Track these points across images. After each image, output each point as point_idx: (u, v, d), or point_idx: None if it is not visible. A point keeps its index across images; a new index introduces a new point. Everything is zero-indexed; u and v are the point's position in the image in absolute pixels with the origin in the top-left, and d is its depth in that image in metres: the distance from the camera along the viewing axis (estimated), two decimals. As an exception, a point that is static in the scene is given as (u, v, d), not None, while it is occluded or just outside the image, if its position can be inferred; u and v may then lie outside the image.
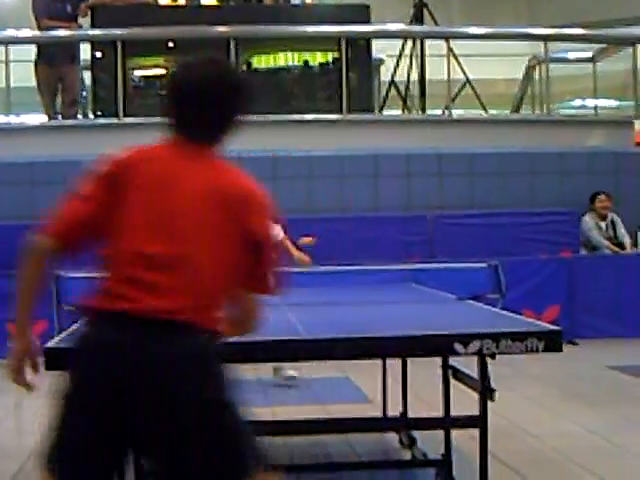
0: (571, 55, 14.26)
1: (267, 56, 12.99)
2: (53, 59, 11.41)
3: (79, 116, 11.96)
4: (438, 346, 3.70)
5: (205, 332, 2.73)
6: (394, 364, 5.87)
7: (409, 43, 12.79)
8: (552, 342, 3.67)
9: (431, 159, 11.06)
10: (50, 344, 3.38)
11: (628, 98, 13.11)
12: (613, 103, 14.63)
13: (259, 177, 11.35)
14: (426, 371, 5.65)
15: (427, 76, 12.93)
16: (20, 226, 10.12)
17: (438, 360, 4.75)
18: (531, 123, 12.18)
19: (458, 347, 3.58)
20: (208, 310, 2.77)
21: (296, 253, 9.08)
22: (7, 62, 11.29)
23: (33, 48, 11.60)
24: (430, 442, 5.21)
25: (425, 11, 13.07)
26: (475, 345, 3.57)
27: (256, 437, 2.81)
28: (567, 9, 17.92)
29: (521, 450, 5.71)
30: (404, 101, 13.12)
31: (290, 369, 7.81)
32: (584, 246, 11.03)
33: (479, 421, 3.92)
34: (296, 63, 13.01)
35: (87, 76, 12.29)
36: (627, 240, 11.02)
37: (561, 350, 3.68)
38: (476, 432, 3.96)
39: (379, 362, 6.10)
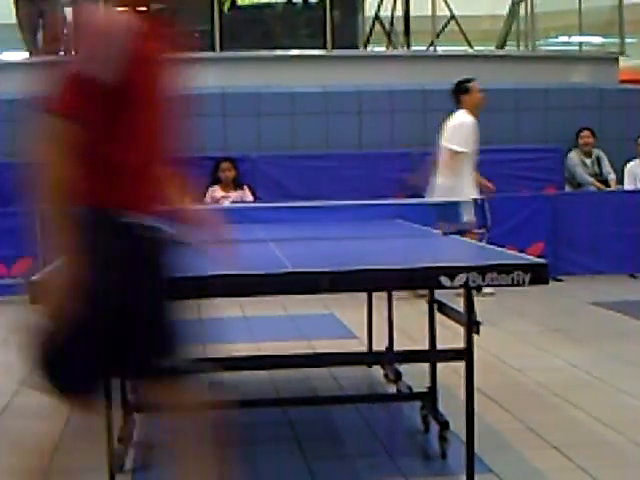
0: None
1: (251, -8, 12.86)
2: (34, -5, 11.27)
3: (61, 53, 11.82)
4: (424, 279, 3.69)
5: None
6: (379, 303, 5.88)
7: (394, -22, 12.69)
8: (538, 275, 3.66)
9: (415, 95, 11.00)
10: (35, 277, 3.35)
11: (613, 35, 13.04)
12: (598, 40, 14.54)
13: (243, 113, 11.34)
14: (411, 308, 5.67)
15: (412, 12, 12.83)
16: (3, 164, 10.09)
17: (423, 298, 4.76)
18: (516, 59, 12.11)
19: (444, 280, 3.57)
20: None
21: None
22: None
23: (13, -16, 11.45)
24: (415, 377, 5.24)
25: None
26: (461, 278, 3.56)
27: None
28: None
29: (505, 383, 5.76)
30: (388, 37, 13.02)
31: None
32: (569, 183, 11.04)
33: (465, 354, 3.92)
34: (280, -1, 12.89)
35: (68, 12, 12.12)
36: (612, 177, 11.02)
37: (547, 283, 3.68)
38: (460, 367, 3.96)
39: (364, 300, 6.11)
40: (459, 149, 8.76)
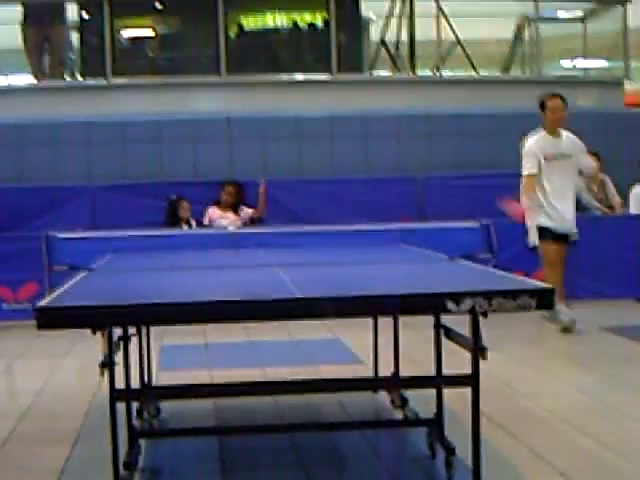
0: (561, 14, 14.19)
1: (255, 17, 12.91)
2: (40, 20, 11.34)
3: (66, 77, 11.87)
4: (431, 304, 3.68)
5: None
6: (384, 329, 5.86)
7: (398, 2, 12.71)
8: (544, 300, 3.65)
9: (421, 120, 11.02)
10: (42, 303, 3.35)
11: (618, 59, 13.07)
12: (603, 64, 14.55)
13: (247, 138, 11.38)
14: (417, 334, 5.65)
15: (417, 36, 12.85)
16: (7, 188, 10.11)
17: (428, 324, 4.74)
18: (521, 83, 12.14)
19: (451, 305, 3.56)
20: None
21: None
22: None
23: (19, 9, 11.49)
24: (421, 403, 5.22)
25: (414, -30, 12.97)
26: (468, 303, 3.55)
27: None
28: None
29: (512, 409, 5.73)
30: (394, 61, 13.04)
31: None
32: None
33: (471, 379, 3.90)
34: (285, 24, 12.94)
35: (74, 37, 12.19)
36: (616, 200, 11.01)
37: (553, 308, 3.67)
38: (467, 393, 3.95)
39: (370, 325, 6.09)
40: (524, 173, 8.63)
